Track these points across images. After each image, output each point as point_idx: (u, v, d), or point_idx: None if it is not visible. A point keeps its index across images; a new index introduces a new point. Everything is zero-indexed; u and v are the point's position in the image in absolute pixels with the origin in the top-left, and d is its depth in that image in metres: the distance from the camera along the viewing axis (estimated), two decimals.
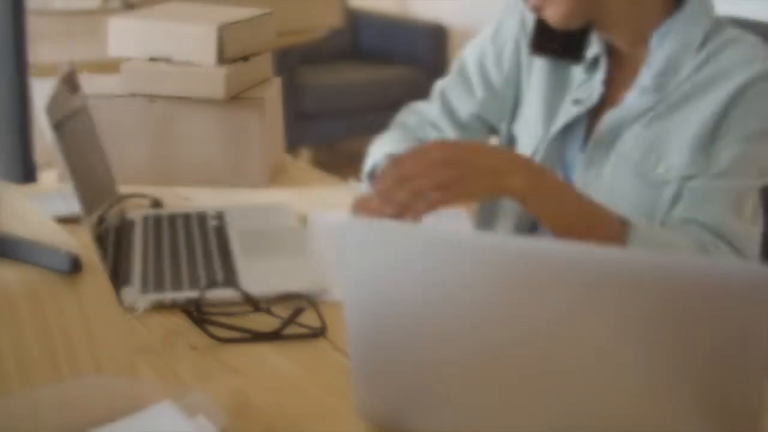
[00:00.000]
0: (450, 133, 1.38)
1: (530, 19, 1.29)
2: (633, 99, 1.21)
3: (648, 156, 1.18)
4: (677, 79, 1.17)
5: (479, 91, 1.36)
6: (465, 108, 1.37)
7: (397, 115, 1.44)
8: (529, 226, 1.28)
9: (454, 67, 1.40)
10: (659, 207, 1.17)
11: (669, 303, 0.64)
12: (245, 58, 1.47)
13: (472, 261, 0.69)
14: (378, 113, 4.29)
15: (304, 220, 1.31)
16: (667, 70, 1.18)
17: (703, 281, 0.63)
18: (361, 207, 1.06)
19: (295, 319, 0.96)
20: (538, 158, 1.29)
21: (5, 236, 0.85)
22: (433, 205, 1.00)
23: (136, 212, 1.31)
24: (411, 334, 0.74)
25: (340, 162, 1.67)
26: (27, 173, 0.73)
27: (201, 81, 1.40)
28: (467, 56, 1.39)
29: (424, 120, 1.42)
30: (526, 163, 1.08)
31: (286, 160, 1.63)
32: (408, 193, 0.99)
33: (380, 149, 1.37)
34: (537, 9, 1.20)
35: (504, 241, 0.68)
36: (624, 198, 1.18)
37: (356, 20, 4.67)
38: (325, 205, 1.40)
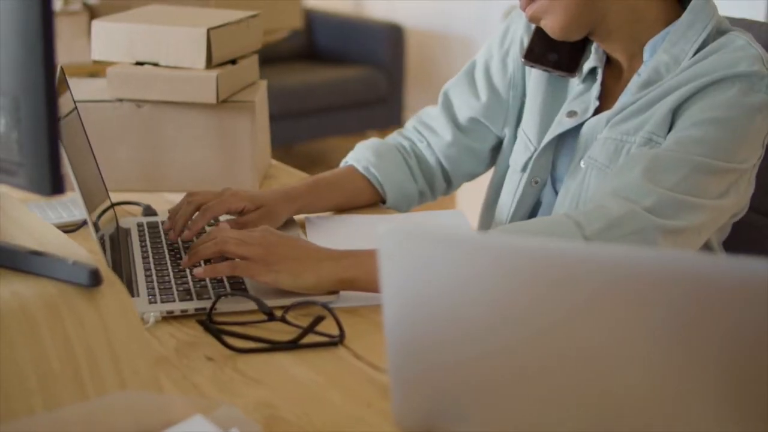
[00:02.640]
0: (447, 135, 1.37)
1: None
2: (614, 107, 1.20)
3: (615, 159, 1.16)
4: (656, 86, 1.15)
5: (483, 95, 1.35)
6: (466, 111, 1.36)
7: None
8: None
9: (464, 67, 1.39)
10: None
11: (708, 304, 0.64)
12: (233, 61, 1.44)
13: (513, 267, 0.68)
14: (335, 114, 4.30)
15: (301, 224, 1.29)
16: (651, 80, 1.16)
17: (734, 280, 0.63)
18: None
19: (314, 328, 0.94)
20: (529, 169, 1.27)
21: (19, 249, 0.82)
22: (215, 273, 1.04)
23: (129, 220, 1.27)
24: (452, 343, 0.72)
25: (298, 164, 1.65)
26: (55, 184, 0.69)
27: (191, 85, 1.37)
28: (478, 58, 1.38)
29: (421, 123, 1.41)
30: (335, 253, 1.06)
31: (272, 164, 1.61)
32: (216, 249, 1.04)
33: (354, 153, 1.38)
34: (535, 19, 1.19)
35: (546, 247, 0.67)
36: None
37: (311, 21, 4.63)
38: None
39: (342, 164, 1.39)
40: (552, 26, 1.17)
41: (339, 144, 4.68)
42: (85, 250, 0.84)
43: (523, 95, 1.33)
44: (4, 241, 0.85)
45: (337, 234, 1.26)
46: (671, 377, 0.66)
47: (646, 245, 1.05)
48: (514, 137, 1.34)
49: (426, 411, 0.77)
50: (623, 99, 1.19)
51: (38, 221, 0.94)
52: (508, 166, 1.35)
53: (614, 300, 0.66)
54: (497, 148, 1.38)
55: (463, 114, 1.37)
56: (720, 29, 1.16)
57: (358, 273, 1.03)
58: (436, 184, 1.41)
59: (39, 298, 0.78)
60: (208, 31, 1.36)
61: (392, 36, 4.47)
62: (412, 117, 1.44)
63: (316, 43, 4.69)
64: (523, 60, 1.26)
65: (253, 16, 1.48)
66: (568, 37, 1.18)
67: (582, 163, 1.20)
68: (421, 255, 0.70)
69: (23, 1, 0.65)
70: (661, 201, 1.06)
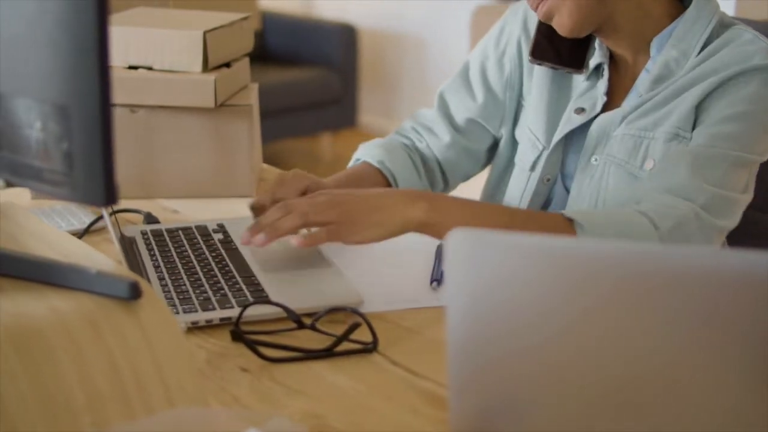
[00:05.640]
0: (446, 137, 1.37)
1: (532, 21, 1.28)
2: (626, 103, 1.21)
3: (634, 155, 1.17)
4: (670, 81, 1.17)
5: (480, 96, 1.35)
6: (463, 112, 1.36)
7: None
8: None
9: (458, 68, 1.39)
10: None
11: (730, 297, 0.64)
12: (227, 64, 1.41)
13: (583, 272, 0.68)
14: (289, 116, 4.25)
15: None
16: (663, 76, 1.17)
17: (754, 273, 0.63)
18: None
19: (349, 335, 0.93)
20: (539, 168, 1.28)
21: (49, 261, 0.79)
22: (316, 241, 1.02)
23: (132, 228, 1.24)
24: (514, 343, 0.72)
25: None
26: (110, 195, 0.67)
27: (188, 89, 1.33)
28: (471, 59, 1.37)
29: (419, 124, 1.40)
30: (411, 194, 1.07)
31: (264, 167, 1.58)
32: (300, 222, 1.01)
33: (363, 151, 1.36)
34: (547, 16, 1.19)
35: (621, 250, 0.67)
36: (612, 197, 1.18)
37: (263, 22, 4.58)
38: None
39: (352, 163, 1.37)
40: (563, 24, 1.17)
41: (294, 146, 4.64)
42: (112, 261, 0.82)
43: (520, 95, 1.33)
44: (31, 253, 0.81)
45: None
46: (695, 368, 0.66)
47: (705, 243, 1.10)
48: (512, 137, 1.34)
49: (484, 413, 0.76)
50: (636, 96, 1.20)
51: (55, 231, 0.91)
52: (505, 166, 1.35)
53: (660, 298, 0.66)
54: (493, 148, 1.39)
55: (460, 115, 1.36)
56: (723, 23, 1.18)
57: (437, 217, 1.04)
58: (435, 184, 1.40)
59: (78, 313, 0.75)
60: (205, 33, 1.33)
61: (345, 36, 4.44)
62: (408, 118, 1.43)
63: (268, 45, 4.64)
64: (530, 58, 1.26)
65: (245, 18, 1.45)
66: (578, 34, 1.19)
67: (594, 159, 1.21)
68: (491, 258, 0.69)
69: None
70: (712, 198, 1.10)
